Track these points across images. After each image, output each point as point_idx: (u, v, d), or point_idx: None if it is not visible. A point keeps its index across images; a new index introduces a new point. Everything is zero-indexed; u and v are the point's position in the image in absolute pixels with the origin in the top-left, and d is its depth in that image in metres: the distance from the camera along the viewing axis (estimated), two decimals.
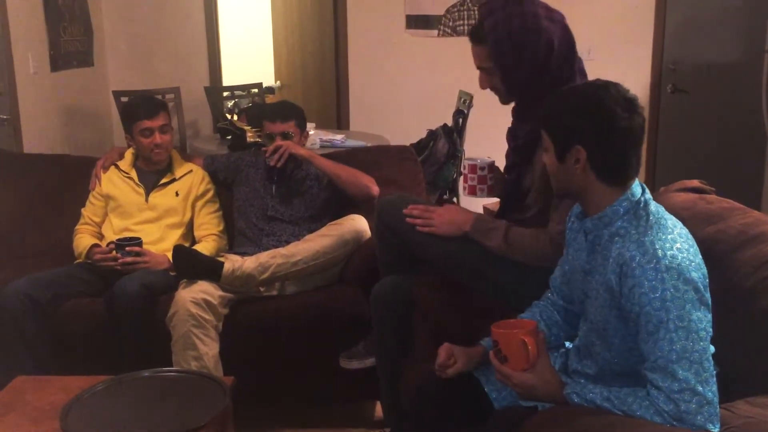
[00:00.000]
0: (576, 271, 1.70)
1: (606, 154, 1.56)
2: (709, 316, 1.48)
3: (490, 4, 2.09)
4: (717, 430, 1.42)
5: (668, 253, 1.46)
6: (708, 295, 1.49)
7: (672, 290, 1.44)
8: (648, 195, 1.59)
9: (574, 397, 1.54)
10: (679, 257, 1.46)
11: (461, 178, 2.37)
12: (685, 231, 1.55)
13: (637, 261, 1.48)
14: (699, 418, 1.41)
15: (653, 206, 1.57)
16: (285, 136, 2.96)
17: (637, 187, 1.59)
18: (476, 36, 2.09)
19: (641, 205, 1.56)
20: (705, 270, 1.52)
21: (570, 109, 1.58)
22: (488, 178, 2.30)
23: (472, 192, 2.32)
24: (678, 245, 1.48)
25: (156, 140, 2.95)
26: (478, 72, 2.14)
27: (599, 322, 1.59)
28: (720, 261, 1.80)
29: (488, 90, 2.17)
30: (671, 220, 1.55)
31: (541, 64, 2.03)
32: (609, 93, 1.55)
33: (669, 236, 1.50)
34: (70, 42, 4.81)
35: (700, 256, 1.53)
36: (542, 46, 2.01)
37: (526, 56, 2.02)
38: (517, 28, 2.01)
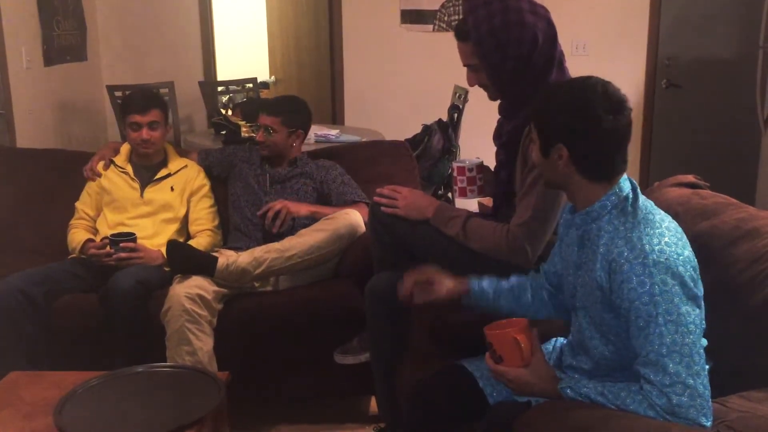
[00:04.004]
0: (568, 266, 1.70)
1: (588, 154, 1.56)
2: (698, 310, 1.48)
3: (474, 3, 2.08)
4: (709, 423, 1.43)
5: (656, 248, 1.47)
6: (697, 290, 1.49)
7: (660, 285, 1.44)
8: (638, 191, 1.59)
9: (568, 391, 1.55)
10: (667, 251, 1.46)
11: (452, 180, 2.38)
12: (674, 225, 1.56)
13: (625, 257, 1.48)
14: (692, 411, 1.41)
15: (641, 202, 1.57)
16: (266, 129, 2.98)
17: (625, 182, 1.59)
18: (460, 33, 2.08)
19: (629, 201, 1.56)
20: (695, 263, 1.52)
21: (556, 107, 1.58)
22: (477, 179, 2.31)
23: (463, 194, 2.32)
24: (666, 239, 1.49)
25: (143, 135, 2.94)
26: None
27: (595, 317, 1.60)
28: (714, 256, 1.81)
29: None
30: (659, 215, 1.56)
31: (526, 59, 2.02)
32: (596, 93, 1.54)
33: (657, 231, 1.50)
34: (64, 36, 4.79)
35: (690, 250, 1.53)
36: (526, 41, 2.01)
37: (511, 52, 2.01)
38: (500, 24, 2.00)
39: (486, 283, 1.91)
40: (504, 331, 1.62)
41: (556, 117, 1.58)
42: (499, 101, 2.19)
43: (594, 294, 1.57)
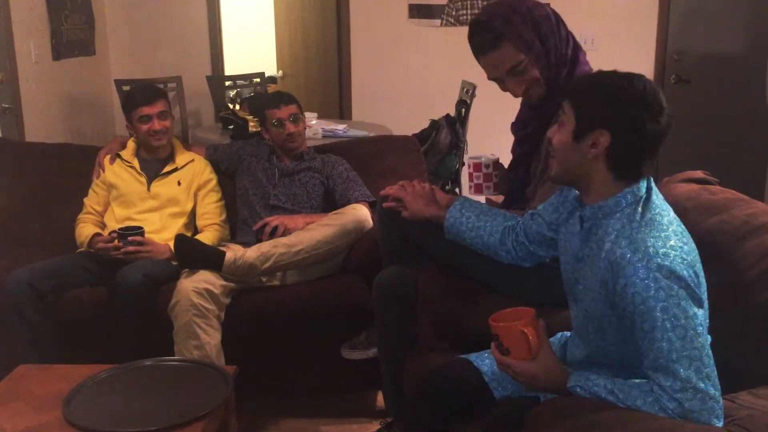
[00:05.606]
0: (567, 254, 1.69)
1: (627, 149, 1.52)
2: (701, 311, 1.46)
3: (485, 12, 2.07)
4: (721, 423, 1.42)
5: (660, 251, 1.44)
6: (701, 293, 1.47)
7: (666, 289, 1.42)
8: (652, 192, 1.56)
9: (578, 390, 1.53)
10: (672, 255, 1.44)
11: (467, 176, 2.36)
12: (681, 228, 1.53)
13: (628, 259, 1.46)
14: (704, 414, 1.41)
15: (653, 202, 1.54)
16: (294, 118, 3.00)
17: (643, 181, 1.56)
18: (492, 40, 2.01)
19: (642, 201, 1.54)
20: (699, 267, 1.49)
21: (610, 92, 1.52)
22: (494, 176, 2.30)
23: (479, 190, 2.32)
24: (671, 242, 1.46)
25: (154, 126, 2.95)
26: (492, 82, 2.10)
27: (594, 312, 1.58)
28: (723, 252, 1.80)
29: (492, 82, 2.14)
30: (668, 217, 1.52)
31: (557, 33, 2.04)
32: (649, 91, 1.51)
33: (663, 234, 1.47)
34: (72, 31, 4.80)
35: (696, 254, 1.50)
36: (550, 15, 2.05)
37: (544, 30, 2.02)
38: (525, 10, 2.02)
39: (464, 216, 2.03)
40: (511, 324, 1.61)
41: (609, 100, 1.51)
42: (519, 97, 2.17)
43: (595, 290, 1.56)
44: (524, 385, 1.64)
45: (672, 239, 1.47)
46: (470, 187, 2.34)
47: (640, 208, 1.53)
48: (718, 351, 1.48)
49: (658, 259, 1.43)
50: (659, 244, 1.45)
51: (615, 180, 1.55)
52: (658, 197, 1.57)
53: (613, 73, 1.57)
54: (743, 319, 1.70)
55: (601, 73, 1.60)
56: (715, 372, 1.44)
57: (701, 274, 1.50)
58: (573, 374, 1.57)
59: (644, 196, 1.54)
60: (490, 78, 2.09)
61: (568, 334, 1.84)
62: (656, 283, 1.42)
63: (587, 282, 1.59)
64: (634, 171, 1.54)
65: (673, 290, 1.42)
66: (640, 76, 1.54)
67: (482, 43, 2.04)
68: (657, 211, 1.53)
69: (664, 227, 1.49)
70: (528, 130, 2.15)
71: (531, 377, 1.60)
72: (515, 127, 2.23)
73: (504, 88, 2.10)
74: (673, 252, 1.45)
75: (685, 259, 1.45)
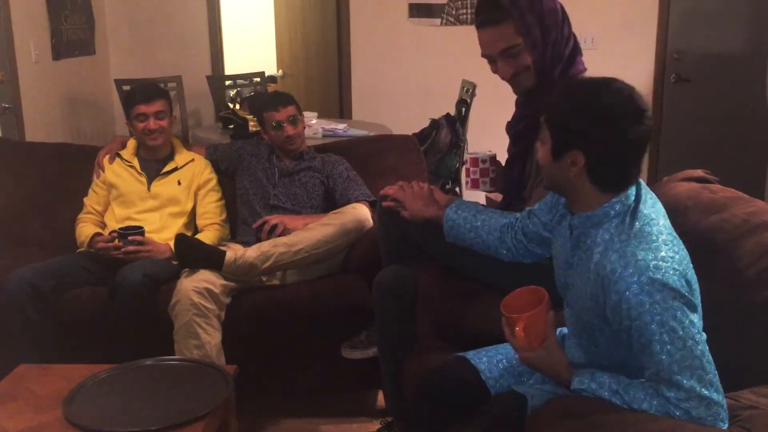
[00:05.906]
0: (559, 258, 1.68)
1: (606, 165, 1.50)
2: (697, 315, 1.45)
3: None
4: (726, 426, 1.42)
5: (651, 264, 1.42)
6: (694, 299, 1.45)
7: (660, 303, 1.40)
8: (641, 200, 1.53)
9: (582, 392, 1.52)
10: (663, 267, 1.42)
11: (463, 171, 2.35)
12: (671, 237, 1.50)
13: (618, 274, 1.43)
14: (709, 419, 1.41)
15: (642, 210, 1.51)
16: (293, 120, 2.99)
17: (631, 188, 1.53)
18: (495, 16, 2.00)
19: (630, 211, 1.51)
20: (691, 273, 1.48)
21: (577, 111, 1.49)
22: (490, 171, 2.30)
23: (475, 185, 2.32)
24: (662, 253, 1.44)
25: (150, 125, 2.95)
26: (486, 62, 2.07)
27: (585, 321, 1.58)
28: (723, 250, 1.80)
29: (492, 80, 2.14)
30: (657, 227, 1.49)
31: (560, 28, 2.03)
32: (621, 100, 1.47)
33: (653, 245, 1.45)
34: (72, 30, 4.80)
35: (688, 260, 1.49)
36: (558, 10, 2.03)
37: (549, 21, 2.01)
38: None
39: (460, 218, 2.03)
40: (511, 316, 1.59)
41: (577, 121, 1.48)
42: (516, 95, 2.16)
43: (586, 299, 1.54)
44: (529, 368, 1.65)
45: (662, 249, 1.45)
46: (467, 182, 2.33)
47: (628, 218, 1.50)
48: (718, 350, 1.48)
49: (650, 273, 1.41)
50: (650, 256, 1.43)
51: (601, 192, 1.52)
52: (646, 205, 1.53)
53: (584, 85, 1.54)
54: (743, 317, 1.69)
55: (571, 85, 1.58)
56: (717, 376, 1.43)
57: (694, 279, 1.48)
58: (577, 373, 1.56)
59: (632, 205, 1.52)
60: (483, 55, 2.08)
61: (566, 330, 1.84)
62: (650, 297, 1.41)
63: (577, 289, 1.59)
64: (620, 182, 1.52)
65: (668, 303, 1.41)
66: (611, 83, 1.49)
67: (485, 17, 2.04)
68: (645, 221, 1.50)
69: (654, 237, 1.47)
70: (519, 128, 2.15)
71: (532, 365, 1.60)
72: (509, 126, 2.23)
73: (494, 69, 2.09)
74: (665, 264, 1.42)
75: (677, 269, 1.43)
